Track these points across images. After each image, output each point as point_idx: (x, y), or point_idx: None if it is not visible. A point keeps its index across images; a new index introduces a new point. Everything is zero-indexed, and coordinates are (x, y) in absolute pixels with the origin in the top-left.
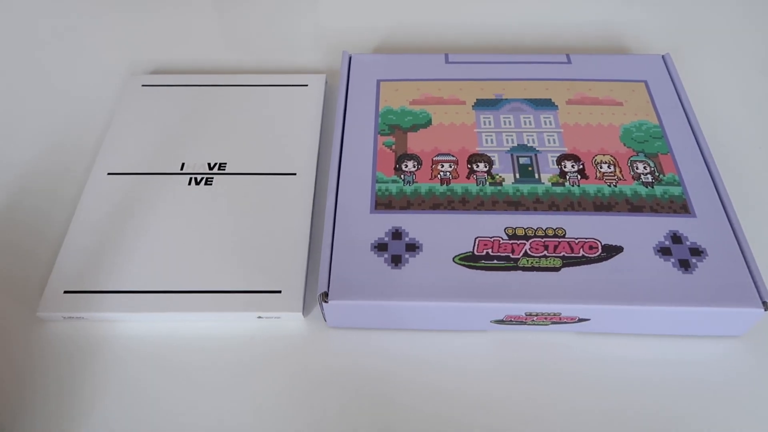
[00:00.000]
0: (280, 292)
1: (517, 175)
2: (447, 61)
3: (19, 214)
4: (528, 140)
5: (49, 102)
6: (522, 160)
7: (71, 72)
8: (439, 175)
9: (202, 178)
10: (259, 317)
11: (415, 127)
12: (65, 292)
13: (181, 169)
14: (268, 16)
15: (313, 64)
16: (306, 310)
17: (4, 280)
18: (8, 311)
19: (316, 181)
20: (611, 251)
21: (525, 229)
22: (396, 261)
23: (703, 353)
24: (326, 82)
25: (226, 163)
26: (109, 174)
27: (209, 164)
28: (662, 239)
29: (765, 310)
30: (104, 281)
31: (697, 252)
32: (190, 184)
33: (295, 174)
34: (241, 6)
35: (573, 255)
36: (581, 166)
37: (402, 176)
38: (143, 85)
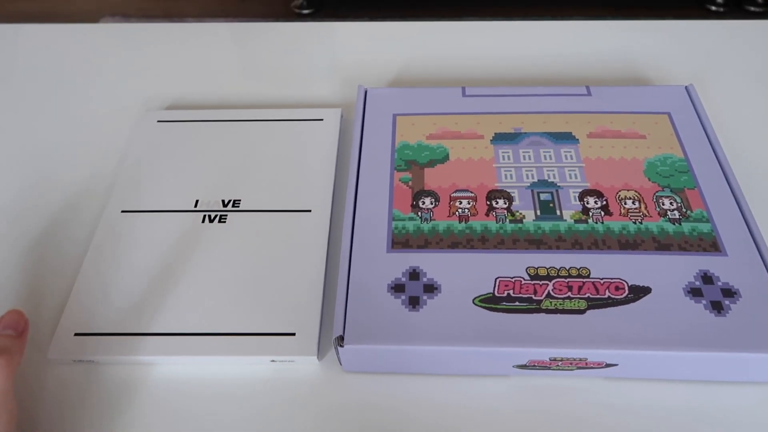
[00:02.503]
0: (294, 334)
1: (538, 212)
2: (464, 95)
3: (34, 249)
4: (548, 175)
5: (64, 137)
6: (543, 197)
7: (86, 108)
8: (457, 212)
9: (215, 216)
10: (273, 361)
11: (432, 163)
12: (76, 334)
13: (195, 206)
14: (283, 50)
15: (329, 98)
16: (321, 353)
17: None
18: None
19: (331, 219)
20: (639, 292)
21: (547, 269)
22: (414, 303)
23: (737, 400)
24: (342, 116)
25: (240, 200)
26: (123, 212)
27: (223, 201)
28: (692, 279)
29: None
30: (115, 323)
31: (729, 293)
32: (204, 221)
33: (310, 211)
34: (256, 40)
35: (598, 296)
36: (604, 202)
37: (419, 213)
38: (158, 121)
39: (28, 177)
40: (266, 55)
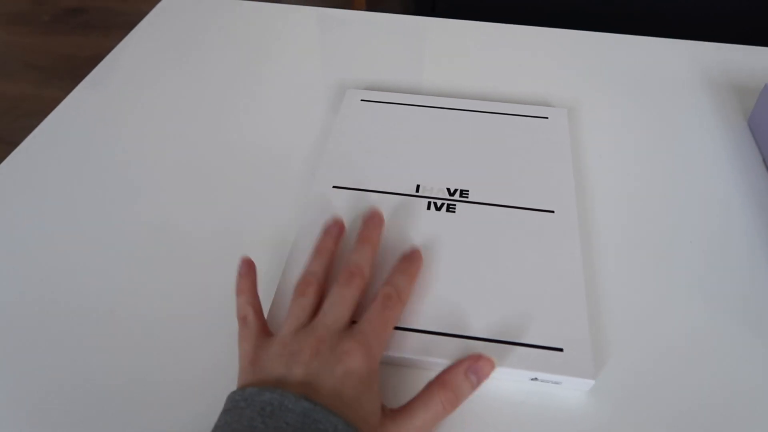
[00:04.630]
0: (561, 350)
1: None
2: None
3: (242, 222)
4: None
5: (269, 116)
6: None
7: (285, 85)
8: None
9: (442, 204)
10: (534, 379)
11: None
12: None
13: (417, 191)
14: (486, 48)
15: (544, 97)
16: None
17: (229, 291)
18: (223, 338)
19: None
20: None
21: None
22: None
23: None
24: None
25: (468, 191)
26: (334, 187)
27: (449, 189)
28: None
29: None
30: None
31: None
32: (429, 208)
33: (553, 212)
34: (453, 36)
35: None
36: None
37: None
38: (362, 100)
39: (236, 153)
40: (469, 52)
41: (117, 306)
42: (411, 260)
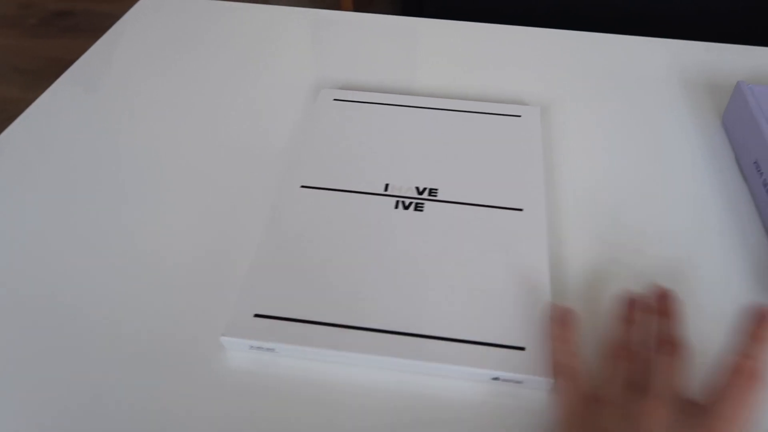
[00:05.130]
0: (523, 349)
1: None
2: None
3: (213, 220)
4: None
5: (243, 114)
6: None
7: (258, 85)
8: None
9: (410, 203)
10: (495, 379)
11: None
12: (255, 315)
13: (386, 190)
14: (454, 46)
15: (518, 96)
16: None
17: (193, 296)
18: (194, 332)
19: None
20: None
21: None
22: None
23: None
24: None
25: (437, 189)
26: (302, 186)
27: (417, 188)
28: None
29: None
30: (300, 309)
31: None
32: (397, 207)
33: (521, 210)
34: (427, 36)
35: None
36: None
37: None
38: (335, 99)
39: (210, 150)
40: (441, 50)
41: (79, 302)
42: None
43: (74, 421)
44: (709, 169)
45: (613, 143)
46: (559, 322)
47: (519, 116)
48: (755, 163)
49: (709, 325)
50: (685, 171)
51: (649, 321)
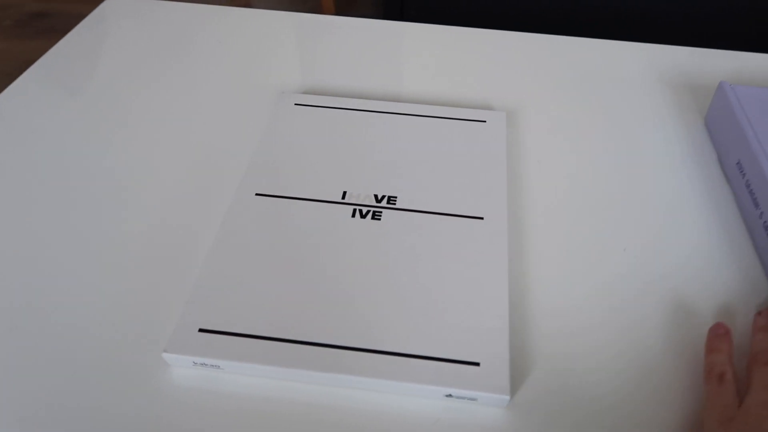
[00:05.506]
0: (478, 364)
1: None
2: None
3: (167, 228)
4: None
5: (196, 114)
6: None
7: (217, 89)
8: None
9: (368, 211)
10: (449, 396)
11: None
12: (200, 330)
13: (343, 198)
14: (417, 49)
15: (484, 101)
16: (512, 392)
17: (138, 308)
18: (138, 347)
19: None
20: None
21: None
22: None
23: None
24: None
25: (396, 197)
26: (257, 194)
27: (376, 196)
28: None
29: None
30: (247, 324)
31: None
32: (354, 216)
33: (482, 218)
34: (394, 38)
35: None
36: None
37: None
38: (296, 104)
39: (165, 157)
40: (407, 53)
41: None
42: None
43: None
44: (692, 169)
45: (589, 146)
46: (715, 335)
47: (484, 121)
48: (738, 163)
49: (694, 325)
50: (667, 172)
51: None
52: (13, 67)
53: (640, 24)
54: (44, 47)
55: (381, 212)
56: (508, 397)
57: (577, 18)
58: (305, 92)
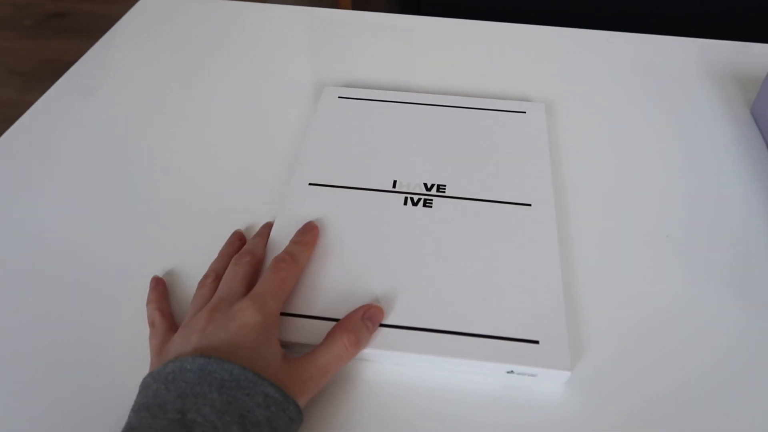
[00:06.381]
0: (537, 342)
1: None
2: None
3: (220, 221)
4: None
5: (246, 114)
6: None
7: (262, 84)
8: None
9: (419, 199)
10: (510, 372)
11: None
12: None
13: (394, 186)
14: (450, 45)
15: (524, 93)
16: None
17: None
18: None
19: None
20: None
21: None
22: None
23: None
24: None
25: (445, 185)
26: (310, 184)
27: (425, 184)
28: None
29: None
30: (316, 306)
31: None
32: (405, 203)
33: (530, 205)
34: (430, 34)
35: None
36: None
37: None
38: (339, 97)
39: (219, 148)
40: (445, 49)
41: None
42: (305, 231)
43: None
44: (738, 157)
45: (633, 137)
46: (149, 289)
47: (524, 112)
48: None
49: (751, 317)
50: (714, 161)
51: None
52: (33, 66)
53: (677, 20)
54: (62, 47)
55: (432, 200)
56: (569, 373)
57: (594, 13)
58: (343, 86)
